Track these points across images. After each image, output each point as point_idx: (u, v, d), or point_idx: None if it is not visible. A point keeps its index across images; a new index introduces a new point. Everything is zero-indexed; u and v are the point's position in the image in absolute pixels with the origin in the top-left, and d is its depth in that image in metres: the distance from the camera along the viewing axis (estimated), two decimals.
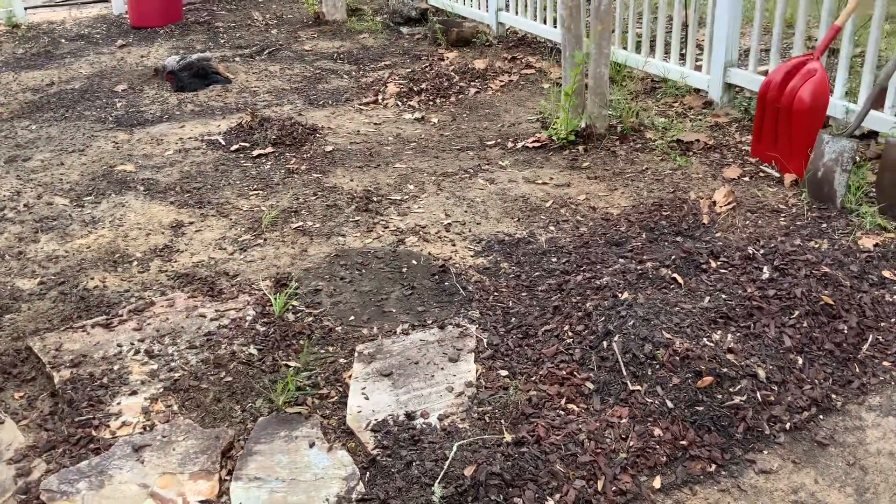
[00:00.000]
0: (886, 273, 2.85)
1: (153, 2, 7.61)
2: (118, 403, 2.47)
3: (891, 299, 2.68)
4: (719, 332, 2.37)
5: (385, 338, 2.76)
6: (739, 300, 2.49)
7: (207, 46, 7.00)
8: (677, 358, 2.25)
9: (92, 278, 3.27)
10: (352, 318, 2.91)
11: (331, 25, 7.52)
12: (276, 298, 2.97)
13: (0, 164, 4.50)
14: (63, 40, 7.49)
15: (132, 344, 2.77)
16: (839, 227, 3.31)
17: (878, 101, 4.00)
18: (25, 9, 8.29)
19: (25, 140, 4.90)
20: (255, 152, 4.53)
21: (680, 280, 2.58)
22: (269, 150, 4.56)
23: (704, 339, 2.33)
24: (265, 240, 3.55)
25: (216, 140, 4.77)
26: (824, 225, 3.34)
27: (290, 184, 4.11)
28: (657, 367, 2.25)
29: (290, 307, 2.97)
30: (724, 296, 2.51)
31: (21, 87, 6.03)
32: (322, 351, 2.74)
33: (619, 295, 2.54)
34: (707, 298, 2.50)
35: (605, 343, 2.36)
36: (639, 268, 2.67)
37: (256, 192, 4.04)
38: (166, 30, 7.61)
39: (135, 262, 3.40)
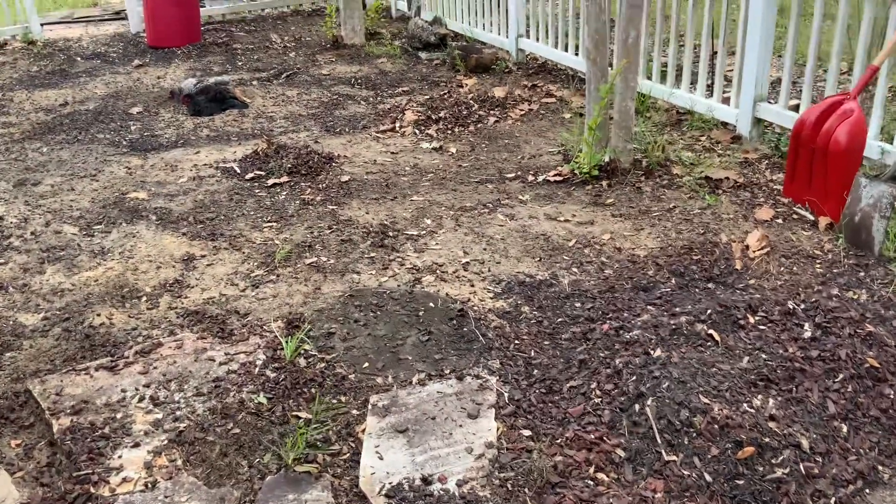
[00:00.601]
0: None
1: (171, 21, 7.56)
2: (119, 456, 2.34)
3: None
4: (760, 396, 2.22)
5: (400, 388, 2.62)
6: (780, 361, 2.34)
7: (225, 69, 6.93)
8: (716, 426, 2.10)
9: (98, 314, 3.15)
10: (366, 364, 2.78)
11: (349, 49, 7.44)
12: (287, 342, 2.85)
13: (9, 188, 4.42)
14: (79, 58, 7.44)
15: (137, 389, 2.64)
16: (878, 276, 3.16)
17: None
18: (42, 25, 8.26)
19: (36, 163, 4.81)
20: (270, 181, 4.42)
21: (717, 337, 2.43)
22: (285, 179, 4.45)
23: (744, 405, 2.18)
24: (278, 276, 3.42)
25: (231, 168, 4.67)
26: (862, 274, 3.19)
27: (305, 216, 4.00)
28: (694, 435, 2.10)
29: (302, 351, 2.84)
30: (764, 356, 2.36)
31: (34, 107, 5.97)
32: (334, 401, 2.60)
33: (652, 352, 2.40)
34: (746, 358, 2.35)
35: (637, 406, 2.21)
36: (672, 322, 2.53)
37: (270, 223, 3.92)
38: (184, 50, 7.56)
39: (144, 298, 3.28)
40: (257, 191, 4.34)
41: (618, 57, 4.18)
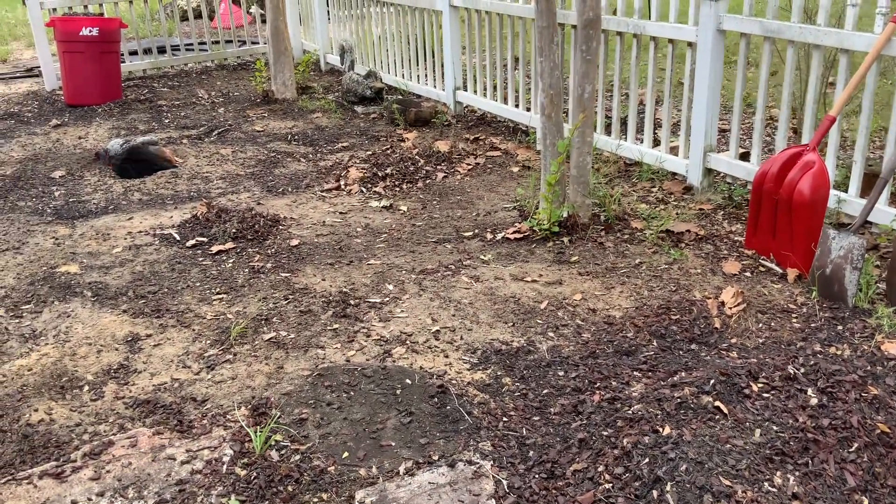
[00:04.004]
0: None
1: (90, 78, 7.21)
2: None
3: None
4: (779, 472, 2.10)
5: (387, 480, 2.40)
6: (792, 432, 2.24)
7: (151, 127, 6.62)
8: None
9: (36, 409, 2.82)
10: (345, 454, 2.55)
11: (281, 104, 7.24)
12: (255, 432, 2.59)
13: None
14: None
15: (90, 499, 2.34)
16: (856, 329, 3.12)
17: (866, 189, 3.92)
18: None
19: None
20: (215, 248, 4.16)
21: (724, 409, 2.32)
22: (230, 245, 4.19)
23: (766, 484, 2.05)
24: (235, 355, 3.17)
25: (170, 234, 4.38)
26: (840, 327, 3.15)
27: (257, 285, 3.75)
28: None
29: (273, 442, 2.59)
30: (775, 427, 2.26)
31: None
32: (315, 499, 2.36)
33: (660, 429, 2.26)
34: (758, 431, 2.24)
35: (655, 492, 2.06)
36: (675, 394, 2.40)
37: (220, 295, 3.66)
38: (105, 108, 7.20)
39: (86, 387, 2.97)
40: (201, 259, 4.07)
41: (573, 112, 4.13)
